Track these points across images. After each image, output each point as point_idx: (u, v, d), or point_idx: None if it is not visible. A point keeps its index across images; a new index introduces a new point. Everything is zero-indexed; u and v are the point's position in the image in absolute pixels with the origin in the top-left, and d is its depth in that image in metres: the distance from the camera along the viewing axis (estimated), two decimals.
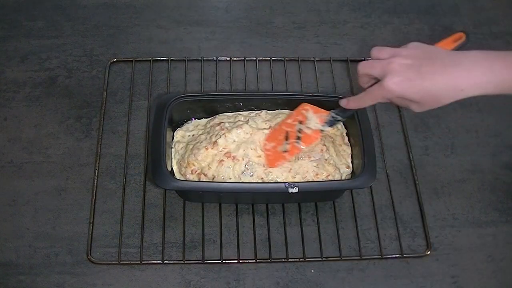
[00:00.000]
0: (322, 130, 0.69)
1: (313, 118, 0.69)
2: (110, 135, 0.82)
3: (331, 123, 0.68)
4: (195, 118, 0.79)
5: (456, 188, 0.81)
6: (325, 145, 0.74)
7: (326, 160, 0.73)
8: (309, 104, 0.71)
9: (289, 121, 0.72)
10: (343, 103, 0.65)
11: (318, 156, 0.72)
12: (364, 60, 0.91)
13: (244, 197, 0.76)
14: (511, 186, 0.81)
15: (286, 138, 0.70)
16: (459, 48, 0.62)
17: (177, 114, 0.76)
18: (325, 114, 0.68)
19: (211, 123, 0.76)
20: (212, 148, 0.71)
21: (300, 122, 0.70)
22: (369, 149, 0.71)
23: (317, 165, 0.71)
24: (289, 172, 0.71)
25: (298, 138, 0.70)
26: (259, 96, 0.78)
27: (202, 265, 0.72)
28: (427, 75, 0.55)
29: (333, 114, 0.67)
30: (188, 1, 1.00)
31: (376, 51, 0.60)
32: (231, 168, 0.71)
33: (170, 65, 0.89)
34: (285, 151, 0.70)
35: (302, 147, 0.69)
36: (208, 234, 0.74)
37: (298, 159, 0.72)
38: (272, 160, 0.71)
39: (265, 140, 0.73)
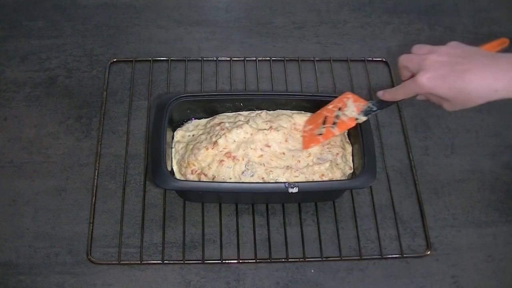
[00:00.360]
0: (357, 119, 0.70)
1: (352, 106, 0.70)
2: (110, 135, 0.82)
3: (367, 112, 0.69)
4: (195, 118, 0.79)
5: (456, 188, 0.81)
6: (342, 148, 0.74)
7: (337, 164, 0.73)
8: (351, 93, 0.72)
9: (330, 107, 0.73)
10: (379, 94, 0.66)
11: (331, 157, 0.72)
12: (364, 60, 0.92)
13: (244, 197, 0.76)
14: (511, 186, 0.81)
15: (324, 123, 0.72)
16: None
17: (177, 114, 0.76)
18: (363, 104, 0.69)
19: (211, 123, 0.76)
20: (212, 148, 0.71)
21: (340, 109, 0.72)
22: (369, 149, 0.71)
23: (328, 167, 0.72)
24: (293, 172, 0.71)
25: (334, 123, 0.71)
26: (259, 96, 0.78)
27: (202, 265, 0.72)
28: (460, 73, 0.54)
29: (370, 105, 0.68)
30: (188, 1, 1.00)
31: (416, 48, 0.61)
32: (232, 168, 0.71)
33: (170, 65, 0.89)
34: (320, 134, 0.72)
35: (336, 132, 0.71)
36: (208, 234, 0.74)
37: (315, 164, 0.72)
38: (306, 142, 0.74)
39: (305, 123, 0.75)
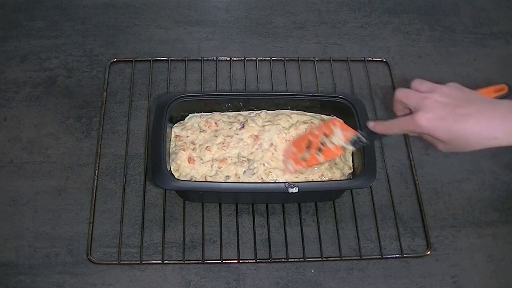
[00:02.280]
0: (344, 148, 0.68)
1: (339, 134, 0.68)
2: (110, 135, 0.82)
3: (355, 142, 0.66)
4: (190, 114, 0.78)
5: (456, 188, 0.81)
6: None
7: (336, 164, 0.73)
8: (338, 120, 0.71)
9: (315, 131, 0.71)
10: (370, 125, 0.63)
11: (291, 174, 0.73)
12: (364, 60, 0.92)
13: (244, 197, 0.76)
14: (511, 186, 0.81)
15: (308, 147, 0.70)
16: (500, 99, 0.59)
17: (177, 114, 0.76)
18: (351, 133, 0.67)
19: (206, 122, 0.76)
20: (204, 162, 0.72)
21: (326, 135, 0.69)
22: (369, 149, 0.70)
23: (327, 167, 0.72)
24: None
25: (319, 150, 0.69)
26: (259, 96, 0.78)
27: (202, 265, 0.72)
28: (461, 117, 0.53)
29: (359, 135, 0.66)
30: (188, 1, 1.00)
31: (417, 83, 0.59)
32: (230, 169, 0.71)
33: (170, 65, 0.89)
34: (304, 159, 0.70)
35: (320, 159, 0.69)
36: (208, 234, 0.74)
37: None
38: (289, 166, 0.71)
39: (290, 144, 0.73)
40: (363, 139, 0.65)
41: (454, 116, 0.53)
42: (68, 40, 0.93)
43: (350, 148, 0.67)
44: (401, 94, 0.59)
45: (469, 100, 0.55)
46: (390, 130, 0.61)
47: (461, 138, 0.54)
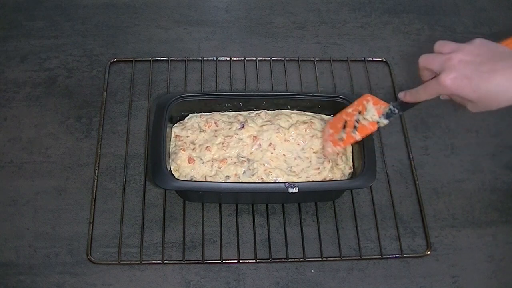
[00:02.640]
0: (378, 122, 0.67)
1: (372, 109, 0.67)
2: (110, 135, 0.82)
3: (388, 115, 0.65)
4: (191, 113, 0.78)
5: (456, 188, 0.81)
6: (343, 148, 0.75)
7: (337, 165, 0.73)
8: (370, 95, 0.69)
9: (349, 110, 0.71)
10: (401, 95, 0.62)
11: (331, 157, 0.72)
12: (364, 60, 0.92)
13: (244, 197, 0.76)
14: (511, 186, 0.81)
15: (344, 127, 0.70)
16: None
17: (177, 114, 0.76)
18: (383, 106, 0.66)
19: (205, 122, 0.76)
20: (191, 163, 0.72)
21: (360, 112, 0.69)
22: (369, 149, 0.71)
23: (329, 167, 0.72)
24: (292, 172, 0.71)
25: (355, 128, 0.69)
26: (259, 96, 0.78)
27: (202, 265, 0.72)
28: (486, 74, 0.52)
29: (391, 107, 0.64)
30: (188, 1, 1.00)
31: (439, 45, 0.57)
32: (231, 169, 0.71)
33: (170, 65, 0.89)
34: (341, 140, 0.70)
35: (357, 137, 0.69)
36: (208, 234, 0.74)
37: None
38: (328, 149, 0.72)
39: (326, 127, 0.73)
40: (396, 110, 0.64)
41: (479, 74, 0.52)
42: (68, 40, 0.93)
43: (385, 122, 0.66)
44: (424, 60, 0.58)
45: (494, 56, 0.53)
46: (419, 97, 0.60)
47: (489, 96, 0.52)
